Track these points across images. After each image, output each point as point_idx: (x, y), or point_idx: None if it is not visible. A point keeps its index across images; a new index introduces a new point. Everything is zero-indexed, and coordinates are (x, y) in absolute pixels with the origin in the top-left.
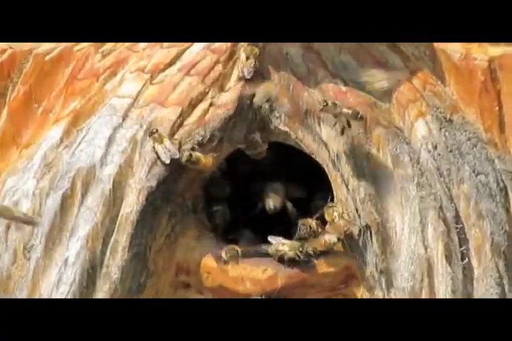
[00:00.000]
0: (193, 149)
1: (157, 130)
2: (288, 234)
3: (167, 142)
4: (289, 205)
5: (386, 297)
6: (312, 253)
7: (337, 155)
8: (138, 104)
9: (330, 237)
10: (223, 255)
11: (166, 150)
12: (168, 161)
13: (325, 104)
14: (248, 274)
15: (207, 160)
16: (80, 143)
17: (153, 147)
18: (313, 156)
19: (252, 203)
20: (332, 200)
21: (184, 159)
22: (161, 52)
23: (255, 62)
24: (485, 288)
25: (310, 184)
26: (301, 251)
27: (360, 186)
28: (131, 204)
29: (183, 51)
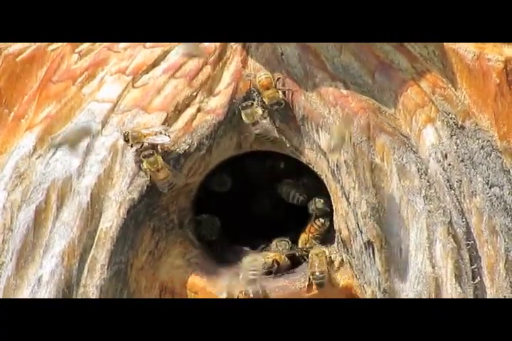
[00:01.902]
0: (152, 154)
1: (128, 132)
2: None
3: (149, 132)
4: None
5: None
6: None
7: (337, 165)
8: (119, 110)
9: None
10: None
11: (157, 139)
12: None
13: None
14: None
15: (160, 174)
16: (54, 152)
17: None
18: (311, 166)
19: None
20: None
21: (138, 157)
22: (143, 52)
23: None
24: None
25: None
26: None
27: (362, 199)
28: (111, 218)
29: (168, 51)
